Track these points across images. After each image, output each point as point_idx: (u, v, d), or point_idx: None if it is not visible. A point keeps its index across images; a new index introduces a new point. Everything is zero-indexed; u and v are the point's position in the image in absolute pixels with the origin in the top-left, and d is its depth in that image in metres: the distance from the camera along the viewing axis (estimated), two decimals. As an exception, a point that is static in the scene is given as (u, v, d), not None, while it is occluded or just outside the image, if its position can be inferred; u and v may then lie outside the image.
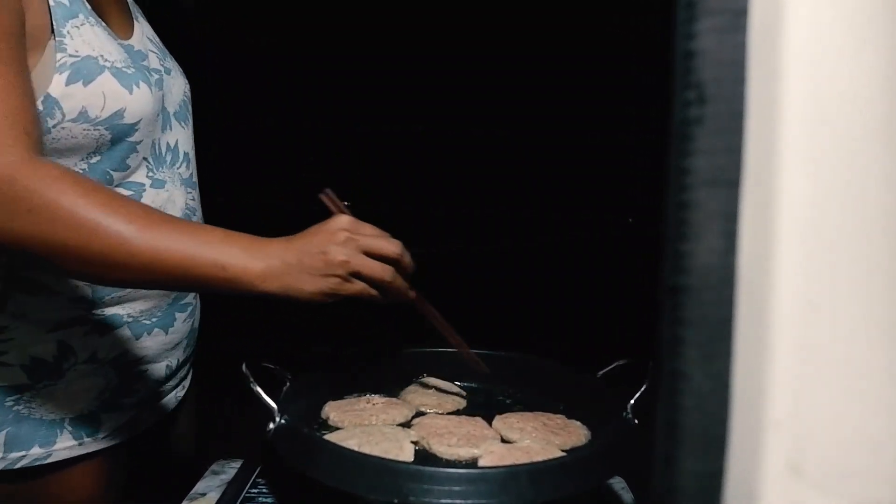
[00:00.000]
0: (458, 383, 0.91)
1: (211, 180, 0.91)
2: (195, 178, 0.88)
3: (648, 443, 0.32)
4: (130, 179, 0.76)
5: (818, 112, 0.27)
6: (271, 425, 0.67)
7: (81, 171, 0.72)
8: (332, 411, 0.79)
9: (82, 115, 0.68)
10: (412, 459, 0.68)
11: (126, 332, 0.78)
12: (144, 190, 0.78)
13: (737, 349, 0.29)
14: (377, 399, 0.83)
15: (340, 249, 0.62)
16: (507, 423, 0.77)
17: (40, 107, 0.66)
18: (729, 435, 0.29)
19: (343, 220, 0.65)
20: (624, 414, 0.72)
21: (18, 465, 0.74)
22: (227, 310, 0.64)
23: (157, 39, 0.87)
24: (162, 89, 0.79)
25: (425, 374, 0.91)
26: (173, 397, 0.90)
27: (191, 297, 0.87)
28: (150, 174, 0.78)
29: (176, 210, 0.81)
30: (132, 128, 0.73)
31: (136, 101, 0.72)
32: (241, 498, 0.76)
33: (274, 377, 0.79)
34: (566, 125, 2.56)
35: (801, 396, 0.28)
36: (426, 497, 0.57)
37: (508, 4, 2.47)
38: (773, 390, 0.28)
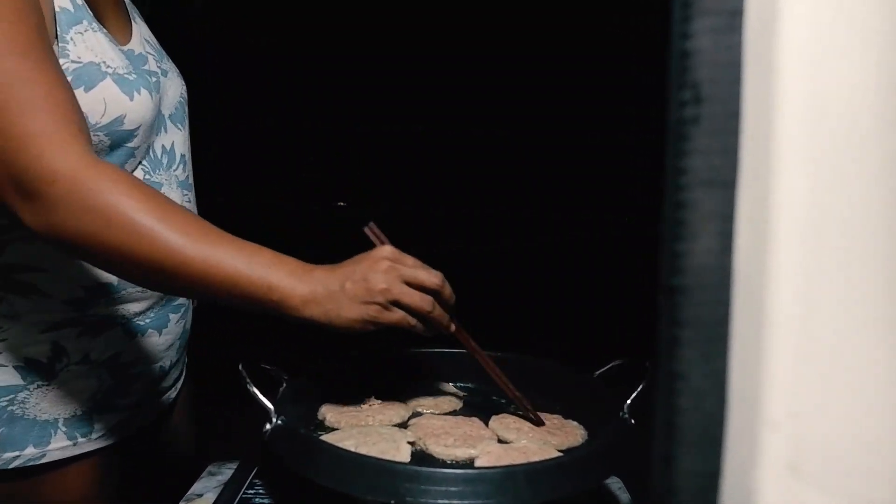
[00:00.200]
0: (455, 384, 0.91)
1: (210, 181, 0.91)
2: (191, 180, 0.88)
3: (645, 443, 0.32)
4: None
5: (814, 112, 0.27)
6: (268, 426, 0.67)
7: None
8: (329, 412, 0.79)
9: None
10: (409, 460, 0.68)
11: (120, 333, 0.78)
12: None
13: (734, 349, 0.29)
14: (374, 400, 0.83)
15: (382, 277, 0.63)
16: (503, 423, 0.77)
17: None
18: (726, 435, 0.29)
19: (386, 250, 0.66)
20: (621, 414, 0.72)
21: (12, 466, 0.73)
22: (224, 311, 0.64)
23: (154, 40, 0.87)
24: (159, 92, 0.80)
25: (422, 375, 0.91)
26: (166, 398, 0.90)
27: (183, 298, 0.87)
28: (147, 177, 0.78)
29: None
30: (131, 134, 0.73)
31: (136, 108, 0.72)
32: (237, 499, 0.76)
33: (271, 378, 0.78)
34: (566, 125, 2.56)
35: (799, 396, 0.28)
36: (423, 497, 0.57)
37: (508, 4, 2.47)
38: (770, 390, 0.28)
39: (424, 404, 0.83)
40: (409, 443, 0.71)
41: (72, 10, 0.69)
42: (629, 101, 2.36)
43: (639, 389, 0.73)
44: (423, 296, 0.65)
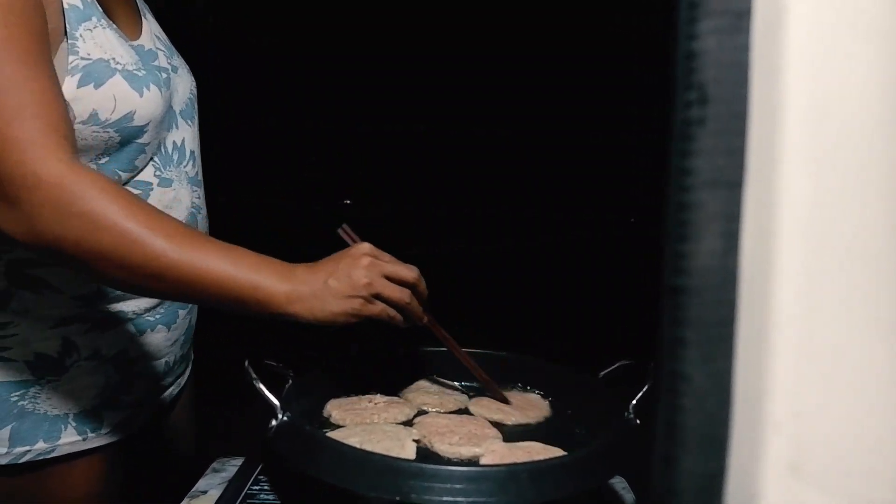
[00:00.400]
0: (460, 382, 0.91)
1: (213, 180, 0.91)
2: (200, 177, 0.88)
3: (649, 443, 0.32)
4: (138, 179, 0.77)
5: (820, 113, 0.27)
6: (273, 423, 0.68)
7: None
8: (334, 409, 0.80)
9: (93, 118, 0.69)
10: (414, 457, 0.68)
11: (130, 328, 0.79)
12: (152, 189, 0.78)
13: (737, 350, 0.29)
14: (379, 398, 0.83)
15: (364, 272, 0.67)
16: (482, 405, 0.83)
17: None
18: (729, 435, 0.29)
19: (365, 247, 0.70)
20: (626, 414, 0.72)
21: (23, 460, 0.74)
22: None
23: (165, 37, 0.87)
24: (169, 88, 0.80)
25: (427, 373, 0.92)
26: (170, 393, 0.90)
27: None
28: (158, 173, 0.79)
29: (182, 209, 0.82)
30: (141, 130, 0.74)
31: (146, 104, 0.73)
32: (242, 495, 0.76)
33: (276, 375, 0.79)
34: (568, 125, 2.56)
35: (802, 397, 0.28)
36: (427, 495, 0.57)
37: (510, 4, 2.46)
38: (773, 391, 0.28)
39: (429, 402, 0.84)
40: (414, 441, 0.72)
41: (81, 6, 0.69)
42: (631, 100, 2.36)
43: (644, 390, 0.73)
44: (402, 289, 0.69)
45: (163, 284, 0.61)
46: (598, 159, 2.55)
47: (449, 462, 0.69)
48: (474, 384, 0.90)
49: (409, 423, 0.78)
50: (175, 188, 0.81)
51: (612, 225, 2.55)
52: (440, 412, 0.81)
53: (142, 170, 0.77)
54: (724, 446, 0.29)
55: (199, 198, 0.86)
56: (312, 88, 2.61)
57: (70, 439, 0.76)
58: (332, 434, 0.72)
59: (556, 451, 0.70)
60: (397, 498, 0.57)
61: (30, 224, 0.58)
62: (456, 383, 0.91)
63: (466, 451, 0.70)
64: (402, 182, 2.66)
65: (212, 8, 2.45)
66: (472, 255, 2.55)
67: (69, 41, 0.68)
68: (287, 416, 0.68)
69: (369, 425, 0.75)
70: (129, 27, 0.78)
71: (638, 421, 0.71)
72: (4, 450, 0.73)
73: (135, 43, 0.77)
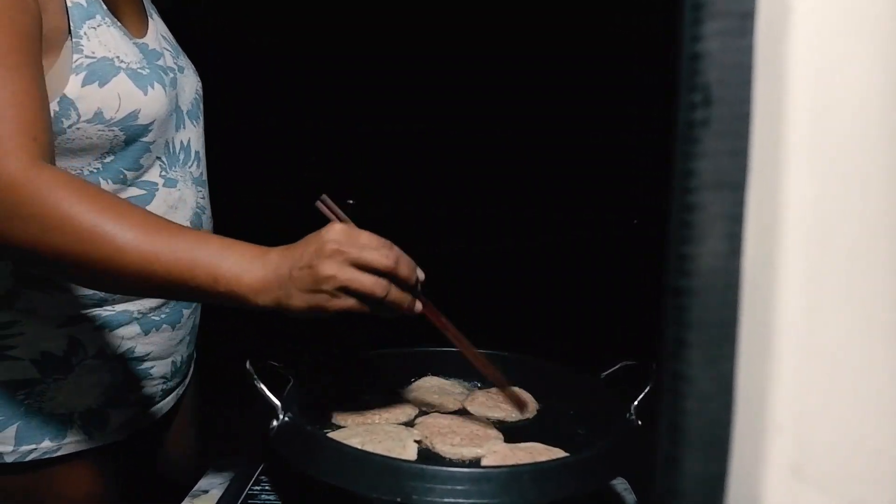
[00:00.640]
0: (462, 383, 0.91)
1: (214, 180, 0.91)
2: (205, 177, 0.88)
3: (651, 444, 0.32)
4: (144, 178, 0.77)
5: (824, 115, 0.27)
6: (274, 423, 0.68)
7: (95, 171, 0.72)
8: (336, 410, 0.80)
9: (97, 116, 0.69)
10: (415, 458, 0.68)
11: (135, 327, 0.79)
12: (157, 189, 0.78)
13: (740, 352, 0.29)
14: (381, 398, 0.83)
15: (328, 264, 0.57)
16: (478, 400, 0.83)
17: (56, 107, 0.67)
18: (732, 437, 0.29)
19: (334, 230, 0.59)
20: (627, 415, 0.72)
21: (29, 458, 0.74)
22: (231, 308, 0.63)
23: (171, 37, 0.87)
24: (175, 88, 0.80)
25: (429, 374, 0.92)
26: (175, 394, 0.90)
27: None
28: (164, 173, 0.79)
29: (187, 209, 0.82)
30: (146, 129, 0.74)
31: (150, 103, 0.73)
32: (243, 496, 0.76)
33: (278, 375, 0.79)
34: (568, 125, 2.56)
35: (805, 399, 0.28)
36: (429, 496, 0.57)
37: (510, 4, 2.47)
38: (776, 393, 0.28)
39: (431, 403, 0.84)
40: (415, 441, 0.71)
41: (84, 4, 0.69)
42: (632, 100, 2.36)
43: (645, 391, 0.73)
44: (375, 279, 0.59)
45: (124, 280, 0.58)
46: (598, 159, 2.55)
47: (450, 463, 0.69)
48: (476, 384, 0.90)
49: (410, 424, 0.78)
50: (180, 188, 0.81)
51: (614, 225, 2.55)
52: (442, 412, 0.81)
53: (148, 170, 0.77)
54: (726, 448, 0.29)
55: (203, 198, 0.86)
56: (313, 88, 2.61)
57: (76, 438, 0.76)
58: (333, 434, 0.72)
59: (558, 453, 0.70)
60: (398, 499, 0.57)
61: None
62: (458, 383, 0.91)
63: (468, 452, 0.70)
64: (402, 182, 2.66)
65: (212, 8, 2.45)
66: (473, 255, 2.54)
67: (73, 39, 0.68)
68: (288, 417, 0.68)
69: (370, 426, 0.75)
70: (134, 26, 0.78)
71: (640, 422, 0.71)
72: (10, 448, 0.73)
73: (139, 41, 0.77)
